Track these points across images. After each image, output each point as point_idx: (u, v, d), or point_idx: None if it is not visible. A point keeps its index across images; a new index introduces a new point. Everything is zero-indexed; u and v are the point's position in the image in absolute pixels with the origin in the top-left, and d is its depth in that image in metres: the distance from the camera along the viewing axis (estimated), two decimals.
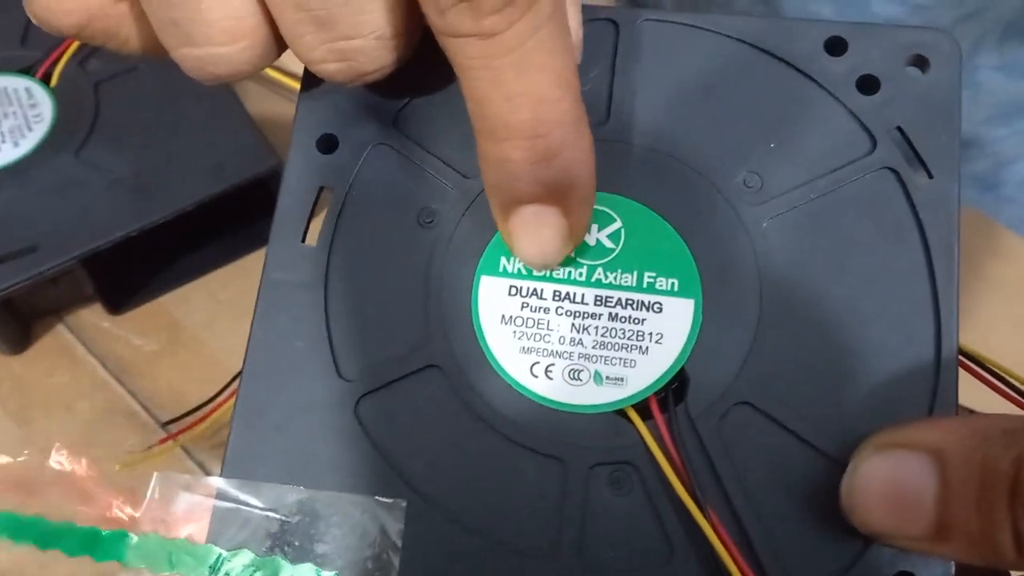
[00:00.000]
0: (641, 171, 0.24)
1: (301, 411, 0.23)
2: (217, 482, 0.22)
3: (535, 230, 0.22)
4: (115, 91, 0.45)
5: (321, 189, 0.25)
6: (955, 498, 0.19)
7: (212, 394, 0.37)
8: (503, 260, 0.24)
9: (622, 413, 0.22)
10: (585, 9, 0.26)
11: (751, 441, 0.22)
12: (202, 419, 0.37)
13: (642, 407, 0.22)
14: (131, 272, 0.45)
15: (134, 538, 0.22)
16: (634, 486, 0.22)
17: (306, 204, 0.24)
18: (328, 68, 0.22)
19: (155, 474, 0.23)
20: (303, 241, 0.24)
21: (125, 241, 0.41)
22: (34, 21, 0.23)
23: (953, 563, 0.21)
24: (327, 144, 0.25)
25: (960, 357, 0.23)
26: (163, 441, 0.39)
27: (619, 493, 0.22)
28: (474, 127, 0.21)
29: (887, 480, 0.20)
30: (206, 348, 0.44)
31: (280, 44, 0.22)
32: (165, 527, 0.22)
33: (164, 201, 0.41)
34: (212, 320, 0.45)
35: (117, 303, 0.45)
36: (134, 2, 0.23)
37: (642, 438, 0.22)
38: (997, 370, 0.23)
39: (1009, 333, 0.45)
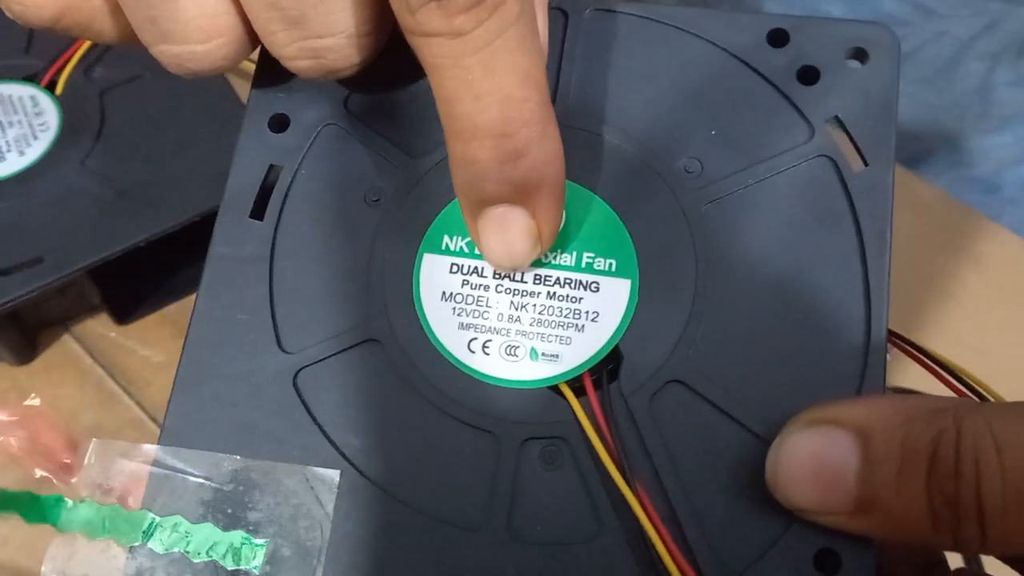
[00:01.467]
0: (583, 154, 0.24)
1: (241, 381, 0.23)
2: (153, 449, 0.23)
3: (503, 230, 0.22)
4: (120, 99, 0.45)
5: (271, 167, 0.25)
6: (876, 474, 0.20)
7: None
8: (446, 238, 0.24)
9: (556, 390, 0.23)
10: None
11: (682, 419, 0.22)
12: None
13: (576, 384, 0.23)
14: (138, 282, 0.45)
15: (69, 503, 0.22)
16: (565, 462, 0.22)
17: (255, 182, 0.25)
18: (299, 64, 0.23)
19: (92, 440, 0.23)
20: (251, 217, 0.25)
21: (132, 251, 0.40)
22: (9, 15, 0.23)
23: (874, 542, 0.21)
24: (278, 124, 0.25)
25: (899, 341, 0.23)
26: None
27: (550, 468, 0.22)
28: (443, 127, 0.21)
29: (811, 455, 0.20)
30: None
31: (255, 40, 0.23)
32: (101, 493, 0.23)
33: (171, 211, 0.41)
34: None
35: (124, 313, 0.44)
36: None
37: (575, 414, 0.22)
38: (932, 353, 0.23)
39: (1012, 336, 0.45)
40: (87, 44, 0.45)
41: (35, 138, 0.43)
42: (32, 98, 0.44)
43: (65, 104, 0.44)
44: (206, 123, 0.43)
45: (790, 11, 0.51)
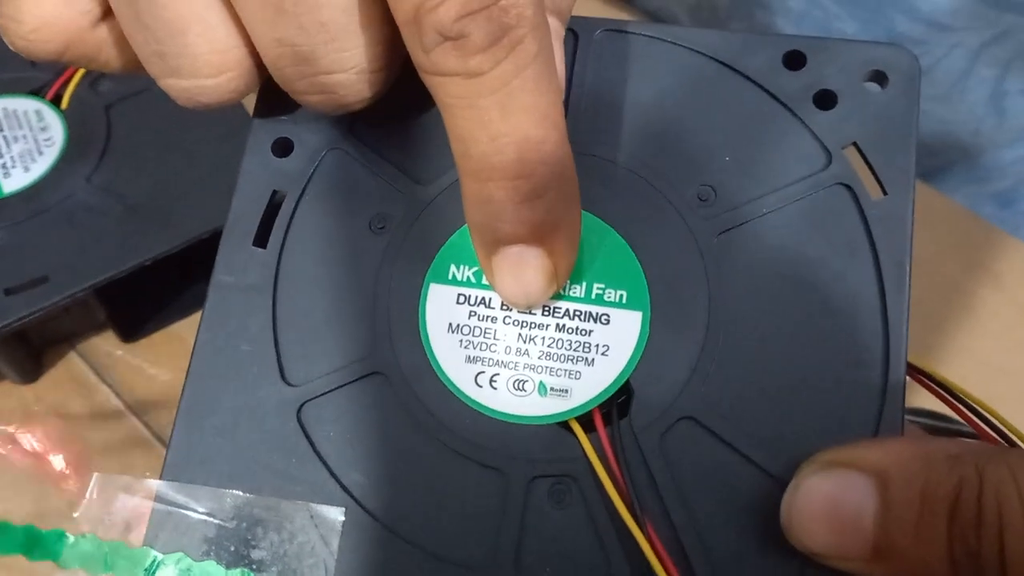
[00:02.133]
0: (593, 181, 0.24)
1: (244, 415, 0.23)
2: (156, 484, 0.22)
3: (518, 270, 0.21)
4: (127, 113, 0.44)
5: (274, 193, 0.25)
6: (895, 520, 0.19)
7: None
8: (452, 268, 0.23)
9: (565, 425, 0.22)
10: None
11: (694, 457, 0.22)
12: None
13: (585, 420, 0.22)
14: (144, 300, 0.44)
15: (71, 538, 0.22)
16: (574, 500, 0.22)
17: (259, 207, 0.24)
18: (309, 100, 0.22)
19: (94, 474, 0.23)
20: (254, 244, 0.24)
21: (138, 269, 0.39)
22: (13, 49, 0.23)
23: None
24: (282, 148, 0.25)
25: (916, 373, 0.23)
26: None
27: (559, 507, 0.22)
28: (457, 165, 0.21)
29: (828, 498, 0.20)
30: None
31: (264, 72, 0.22)
32: (103, 528, 0.22)
33: (179, 228, 0.40)
34: None
35: (130, 332, 0.44)
36: (112, 26, 0.23)
37: (584, 451, 0.22)
38: (951, 387, 0.23)
39: None
40: None
41: (40, 153, 0.42)
42: (37, 112, 0.43)
43: (71, 119, 0.43)
44: (214, 138, 0.43)
45: (801, 30, 0.50)
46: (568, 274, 0.22)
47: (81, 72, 0.44)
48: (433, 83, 0.20)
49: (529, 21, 0.19)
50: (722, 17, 0.55)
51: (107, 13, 0.22)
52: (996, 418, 0.23)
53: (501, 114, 0.19)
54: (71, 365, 0.44)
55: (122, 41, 0.22)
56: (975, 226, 0.45)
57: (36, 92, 0.44)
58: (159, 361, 0.44)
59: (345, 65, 0.21)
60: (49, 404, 0.43)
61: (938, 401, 0.24)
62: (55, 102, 0.44)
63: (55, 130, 0.43)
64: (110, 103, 0.44)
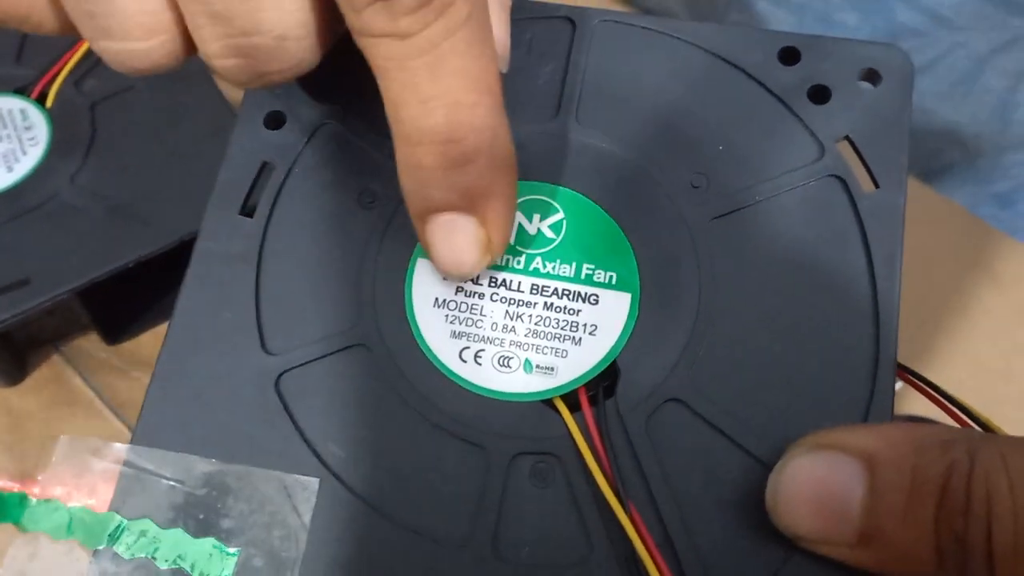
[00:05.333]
0: (587, 165, 0.24)
1: (221, 382, 0.22)
2: (125, 449, 0.22)
3: (450, 239, 0.21)
4: (112, 112, 0.43)
5: (264, 164, 0.24)
6: (882, 505, 0.19)
7: None
8: None
9: (550, 404, 0.22)
10: (545, 7, 0.26)
11: (680, 440, 0.21)
12: None
13: (571, 399, 0.22)
14: (129, 301, 0.43)
15: (33, 501, 0.21)
16: (556, 479, 0.21)
17: (247, 178, 0.24)
18: (224, 64, 0.21)
19: (61, 437, 0.22)
20: (241, 214, 0.24)
21: (123, 270, 0.39)
22: None
23: None
24: (274, 121, 0.25)
25: (907, 375, 0.22)
26: None
27: (540, 485, 0.21)
28: (391, 132, 0.20)
29: (814, 481, 0.19)
30: None
31: (193, 48, 0.22)
32: (68, 492, 0.21)
33: (163, 229, 0.39)
34: None
35: (115, 333, 0.43)
36: None
37: (568, 430, 0.21)
38: (942, 390, 0.22)
39: None
40: (79, 53, 0.43)
41: (24, 153, 0.42)
42: (22, 111, 0.43)
43: (56, 117, 0.42)
44: (200, 137, 0.42)
45: (803, 21, 0.50)
46: (503, 245, 0.22)
47: (67, 70, 0.43)
48: (365, 44, 0.20)
49: None
50: (721, 8, 0.54)
51: None
52: (989, 424, 0.23)
53: (430, 77, 0.19)
54: (55, 367, 0.43)
55: (55, 3, 0.22)
56: (974, 227, 0.44)
57: (21, 90, 0.44)
58: (144, 363, 0.43)
59: (262, 27, 0.20)
60: (33, 406, 0.42)
61: (930, 404, 0.23)
62: (40, 100, 0.43)
63: (39, 129, 0.42)
64: (95, 102, 0.43)
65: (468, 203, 0.21)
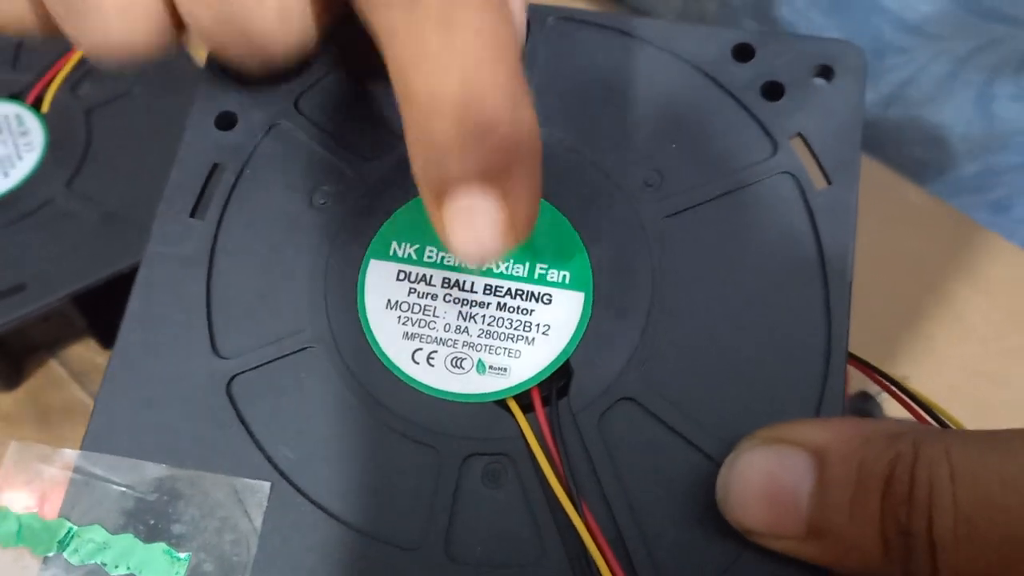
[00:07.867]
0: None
1: (172, 386, 0.22)
2: (74, 455, 0.21)
3: (469, 219, 0.19)
4: (108, 118, 0.43)
5: (215, 166, 0.24)
6: (830, 498, 0.19)
7: None
8: (394, 244, 0.23)
9: (503, 404, 0.22)
10: None
11: (633, 438, 0.21)
12: None
13: (524, 399, 0.22)
14: (125, 306, 0.43)
15: None
16: (509, 480, 0.21)
17: (198, 180, 0.24)
18: (232, 53, 0.21)
19: (12, 443, 0.22)
20: (192, 216, 0.24)
21: (118, 276, 0.38)
22: None
23: (827, 572, 0.20)
24: (225, 121, 0.24)
25: (859, 364, 0.22)
26: None
27: (493, 486, 0.21)
28: (400, 107, 0.18)
29: (765, 475, 0.19)
30: None
31: (180, 26, 0.21)
32: (17, 499, 0.21)
33: None
34: None
35: (111, 338, 0.43)
36: None
37: (521, 431, 0.21)
38: (891, 376, 0.23)
39: None
40: (75, 58, 0.43)
41: (19, 159, 0.41)
42: (18, 117, 0.43)
43: (51, 123, 0.42)
44: None
45: (777, 25, 0.50)
46: (530, 225, 0.19)
47: (62, 76, 0.43)
48: (372, 15, 0.18)
49: None
50: (710, 20, 0.54)
51: None
52: (945, 416, 0.23)
53: (444, 35, 0.17)
54: (51, 372, 0.43)
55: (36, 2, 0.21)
56: (967, 230, 0.44)
57: (16, 96, 0.43)
58: None
59: (264, 4, 0.20)
60: (29, 411, 0.42)
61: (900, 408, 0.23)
62: (36, 106, 0.43)
63: (35, 135, 0.42)
64: (91, 107, 0.43)
65: (489, 179, 0.18)
